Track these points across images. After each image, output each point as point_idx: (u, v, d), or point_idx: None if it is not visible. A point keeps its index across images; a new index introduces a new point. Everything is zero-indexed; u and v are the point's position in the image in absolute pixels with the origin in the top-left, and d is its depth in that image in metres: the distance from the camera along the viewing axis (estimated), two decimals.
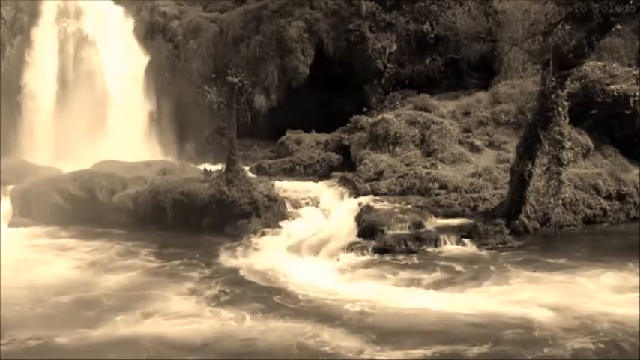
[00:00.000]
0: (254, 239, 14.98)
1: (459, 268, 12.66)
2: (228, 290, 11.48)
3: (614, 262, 12.59)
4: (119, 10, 26.18)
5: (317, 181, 18.94)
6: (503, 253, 13.59)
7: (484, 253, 13.73)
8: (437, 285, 11.73)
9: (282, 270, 12.64)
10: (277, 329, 9.58)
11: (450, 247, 14.08)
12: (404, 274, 12.38)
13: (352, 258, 13.50)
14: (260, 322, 9.92)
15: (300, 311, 10.40)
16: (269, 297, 11.10)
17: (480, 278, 11.98)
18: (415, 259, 13.29)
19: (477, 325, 9.62)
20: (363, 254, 13.64)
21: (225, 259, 13.62)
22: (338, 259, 13.47)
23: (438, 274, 12.31)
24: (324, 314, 10.23)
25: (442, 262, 13.02)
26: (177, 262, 13.35)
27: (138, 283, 12.09)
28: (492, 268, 12.60)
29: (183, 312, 10.37)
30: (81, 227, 16.43)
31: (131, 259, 13.71)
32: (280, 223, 15.76)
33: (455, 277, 12.13)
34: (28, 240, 15.48)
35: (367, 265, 13.09)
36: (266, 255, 13.88)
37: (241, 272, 12.67)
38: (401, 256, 13.44)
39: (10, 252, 13.97)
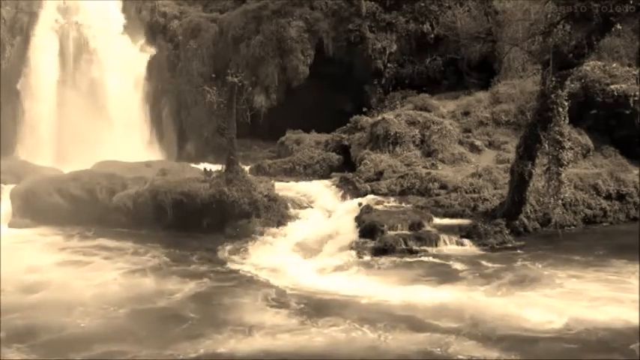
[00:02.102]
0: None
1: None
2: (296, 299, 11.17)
3: None
4: (119, 9, 26.19)
5: (317, 181, 18.94)
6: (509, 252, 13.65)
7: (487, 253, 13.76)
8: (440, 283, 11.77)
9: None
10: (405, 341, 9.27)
11: (450, 247, 14.08)
12: (405, 273, 12.39)
13: (352, 258, 13.48)
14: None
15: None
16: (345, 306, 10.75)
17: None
18: (415, 259, 13.29)
19: None
20: (363, 254, 13.62)
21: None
22: (338, 260, 13.46)
23: (438, 274, 12.35)
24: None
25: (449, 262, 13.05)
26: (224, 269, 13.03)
27: (205, 291, 11.64)
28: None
29: (272, 324, 9.89)
30: (105, 228, 16.33)
31: (182, 265, 13.38)
32: (280, 223, 15.76)
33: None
34: (56, 241, 15.40)
35: (367, 264, 13.08)
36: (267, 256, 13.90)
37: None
38: (401, 256, 13.43)
39: (43, 256, 13.86)
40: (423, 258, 13.39)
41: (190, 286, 11.80)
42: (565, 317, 9.79)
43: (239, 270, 12.92)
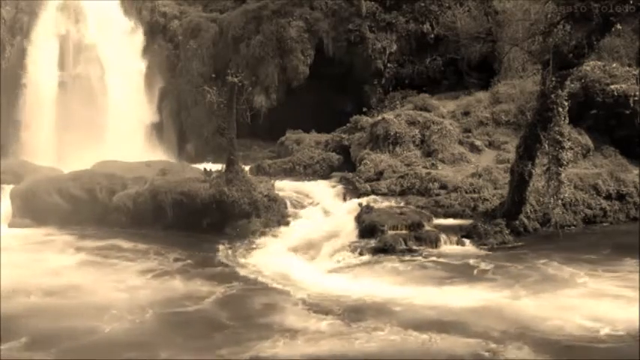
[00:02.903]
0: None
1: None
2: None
3: None
4: (119, 9, 26.18)
5: (317, 181, 18.94)
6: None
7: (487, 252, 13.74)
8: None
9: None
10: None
11: (450, 247, 14.08)
12: (417, 274, 12.37)
13: (352, 258, 13.48)
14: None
15: None
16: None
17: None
18: (418, 260, 13.26)
19: None
20: (363, 254, 13.62)
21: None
22: (338, 260, 13.46)
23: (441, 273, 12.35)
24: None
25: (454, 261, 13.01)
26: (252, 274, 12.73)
27: (231, 295, 11.40)
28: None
29: (315, 329, 9.63)
30: (106, 228, 16.26)
31: (207, 267, 13.22)
32: (280, 223, 15.76)
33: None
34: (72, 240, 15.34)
35: (367, 264, 13.08)
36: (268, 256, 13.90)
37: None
38: (401, 256, 13.42)
39: (61, 257, 13.79)
40: (429, 258, 13.31)
41: (219, 289, 11.56)
42: (607, 320, 9.53)
43: (247, 275, 12.69)
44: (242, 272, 12.73)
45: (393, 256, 13.42)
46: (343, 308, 10.46)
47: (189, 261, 13.55)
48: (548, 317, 9.79)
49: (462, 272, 12.40)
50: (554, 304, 10.43)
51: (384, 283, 11.76)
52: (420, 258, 13.38)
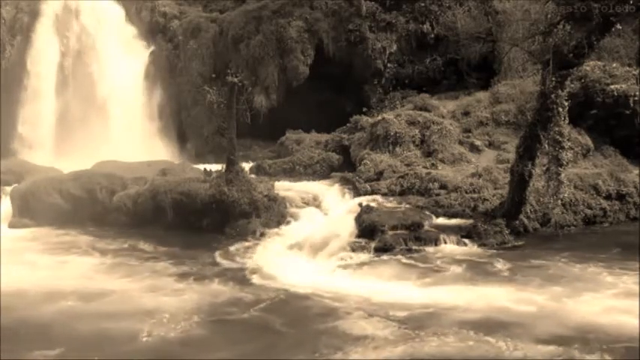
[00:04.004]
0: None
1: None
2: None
3: None
4: (119, 9, 26.21)
5: (317, 181, 18.94)
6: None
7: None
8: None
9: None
10: None
11: (450, 247, 14.04)
12: (425, 274, 12.26)
13: (352, 258, 13.47)
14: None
15: None
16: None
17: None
18: (415, 259, 13.21)
19: None
20: (363, 254, 13.61)
21: None
22: (339, 259, 13.46)
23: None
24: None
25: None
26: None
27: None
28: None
29: (373, 334, 9.29)
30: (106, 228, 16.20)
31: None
32: (280, 223, 15.76)
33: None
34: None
35: (367, 264, 13.06)
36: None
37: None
38: (401, 256, 13.37)
39: (84, 260, 13.62)
40: (435, 258, 13.19)
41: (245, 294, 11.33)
42: None
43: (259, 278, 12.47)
44: (250, 275, 12.55)
45: (398, 256, 13.30)
46: (396, 312, 10.13)
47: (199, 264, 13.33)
48: (605, 319, 9.54)
49: (480, 273, 12.17)
50: (601, 305, 10.20)
51: (410, 285, 11.58)
52: (426, 257, 13.27)
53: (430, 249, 13.82)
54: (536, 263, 12.64)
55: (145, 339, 9.28)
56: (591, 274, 11.86)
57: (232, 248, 14.39)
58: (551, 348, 8.67)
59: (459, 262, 12.88)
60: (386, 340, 9.10)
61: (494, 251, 13.60)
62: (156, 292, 11.43)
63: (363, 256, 13.51)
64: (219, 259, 13.73)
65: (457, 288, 11.29)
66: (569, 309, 10.10)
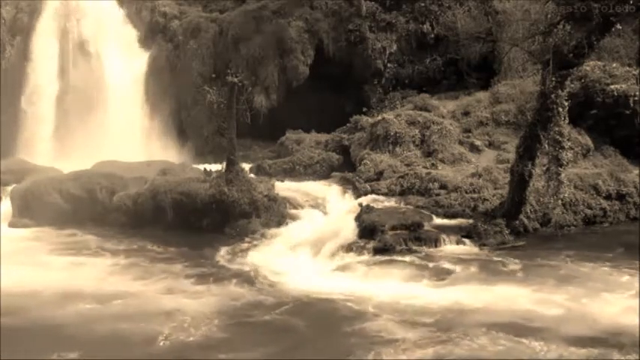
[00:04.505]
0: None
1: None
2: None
3: None
4: (119, 9, 26.19)
5: (317, 181, 18.94)
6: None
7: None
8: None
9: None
10: None
11: (450, 247, 14.03)
12: (436, 274, 12.26)
13: (352, 258, 13.46)
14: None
15: None
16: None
17: None
18: (420, 259, 13.17)
19: None
20: (363, 254, 13.59)
21: None
22: (338, 260, 13.45)
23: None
24: None
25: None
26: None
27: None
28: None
29: (403, 337, 9.23)
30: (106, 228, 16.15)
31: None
32: (280, 224, 15.75)
33: None
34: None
35: (367, 264, 13.04)
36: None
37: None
38: (401, 256, 13.34)
39: (97, 261, 13.59)
40: (439, 257, 13.16)
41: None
42: None
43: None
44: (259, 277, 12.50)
45: (403, 256, 13.26)
46: (420, 314, 10.09)
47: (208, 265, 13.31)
48: (629, 320, 9.51)
49: (490, 273, 12.12)
50: (623, 305, 10.20)
51: (424, 286, 11.55)
52: (431, 257, 13.21)
53: (430, 249, 13.81)
54: (544, 263, 12.61)
55: (162, 342, 9.18)
56: (602, 274, 11.86)
57: (236, 249, 14.42)
58: (584, 351, 8.61)
59: (465, 262, 12.85)
60: (415, 343, 9.04)
61: (495, 251, 13.58)
62: (173, 294, 11.38)
63: (364, 257, 13.49)
64: (225, 260, 13.73)
65: (472, 288, 11.27)
66: (593, 310, 10.04)
